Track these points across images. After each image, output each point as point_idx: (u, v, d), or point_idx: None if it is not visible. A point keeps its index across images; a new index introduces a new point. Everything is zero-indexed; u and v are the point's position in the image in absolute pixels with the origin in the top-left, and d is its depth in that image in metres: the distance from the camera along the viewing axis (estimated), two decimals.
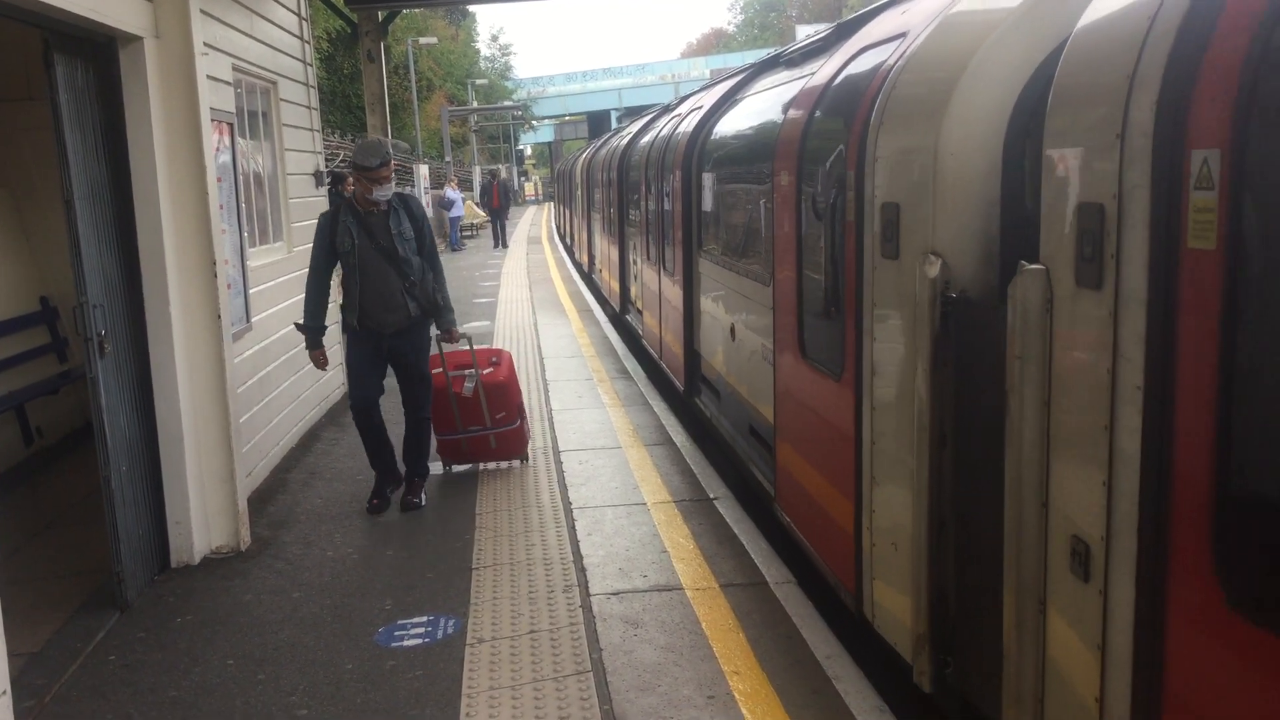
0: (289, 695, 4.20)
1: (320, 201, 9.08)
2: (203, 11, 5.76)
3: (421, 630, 4.69)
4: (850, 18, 5.38)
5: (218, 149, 6.04)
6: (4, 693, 3.47)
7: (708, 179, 7.57)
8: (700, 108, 8.47)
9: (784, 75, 6.22)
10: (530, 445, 7.32)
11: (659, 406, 8.71)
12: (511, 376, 7.01)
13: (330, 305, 6.34)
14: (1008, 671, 2.90)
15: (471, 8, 44.10)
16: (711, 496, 6.30)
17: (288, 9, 8.55)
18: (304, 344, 6.31)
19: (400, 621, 4.79)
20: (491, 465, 7.07)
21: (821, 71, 5.02)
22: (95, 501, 5.28)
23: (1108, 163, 2.32)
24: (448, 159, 39.59)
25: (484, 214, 34.99)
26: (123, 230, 5.29)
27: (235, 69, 6.86)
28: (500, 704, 4.00)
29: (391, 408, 6.69)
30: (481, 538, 5.79)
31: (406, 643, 4.58)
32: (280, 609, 5.01)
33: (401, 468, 6.58)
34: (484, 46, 73.65)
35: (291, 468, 7.41)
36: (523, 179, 74.58)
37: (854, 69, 4.48)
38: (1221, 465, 2.04)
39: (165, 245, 5.39)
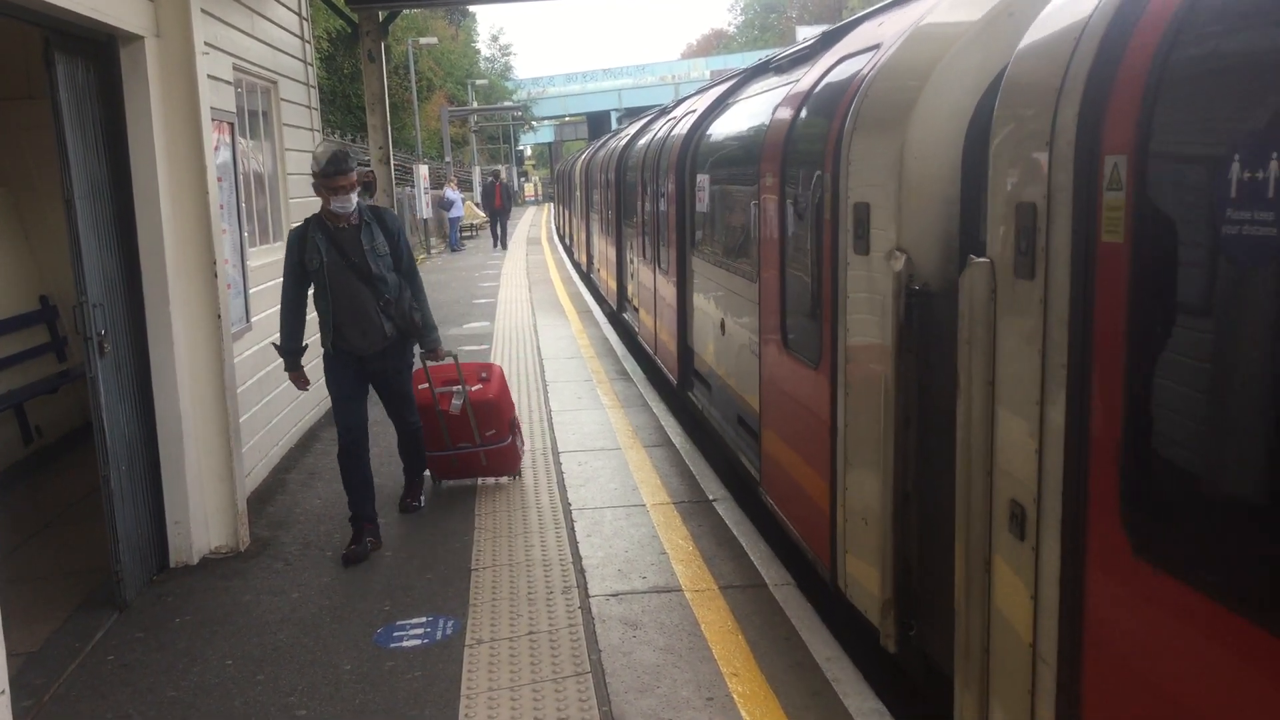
0: (288, 695, 4.19)
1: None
2: (204, 11, 5.76)
3: (420, 631, 4.69)
4: (834, 28, 5.70)
5: (218, 148, 6.04)
6: (2, 692, 3.47)
7: (700, 180, 7.84)
8: (694, 111, 8.74)
9: (773, 81, 6.49)
10: (530, 448, 7.32)
11: (658, 408, 8.71)
12: (503, 393, 6.73)
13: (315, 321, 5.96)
14: (959, 626, 3.14)
15: (472, 8, 44.09)
16: (711, 498, 6.30)
17: (288, 9, 8.55)
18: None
19: (399, 622, 4.79)
20: None
21: (804, 79, 5.31)
22: (94, 501, 5.28)
23: (1039, 167, 2.61)
24: (448, 159, 39.59)
25: (483, 215, 34.97)
26: (123, 229, 5.29)
27: (236, 68, 6.86)
28: (499, 705, 4.00)
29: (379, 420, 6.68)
30: (481, 539, 5.79)
31: (405, 643, 4.58)
32: (279, 609, 5.01)
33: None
34: (484, 47, 73.75)
35: (291, 468, 7.41)
36: (522, 180, 74.59)
37: (833, 77, 4.77)
38: (1128, 433, 2.31)
39: (165, 245, 5.39)
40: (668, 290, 9.14)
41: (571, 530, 5.85)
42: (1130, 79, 2.28)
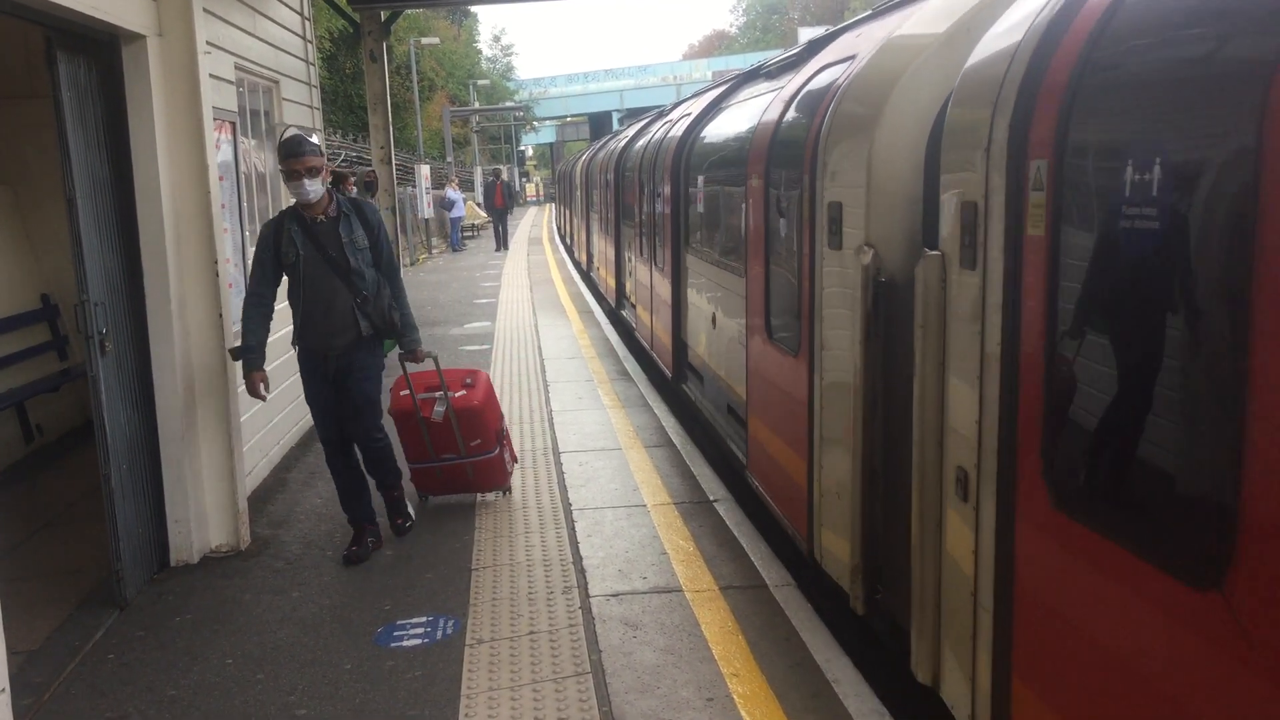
0: (288, 694, 4.19)
1: None
2: (206, 10, 5.76)
3: (421, 631, 4.69)
4: (817, 38, 6.07)
5: (219, 147, 6.04)
6: (3, 690, 3.47)
7: (694, 181, 8.15)
8: (689, 115, 9.07)
9: (762, 86, 6.77)
10: (531, 448, 7.31)
11: (659, 408, 8.72)
12: (488, 400, 6.29)
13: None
14: (914, 582, 3.51)
15: (474, 8, 44.15)
16: (711, 499, 6.30)
17: (290, 8, 8.56)
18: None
19: (399, 622, 4.79)
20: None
21: (789, 86, 5.64)
22: (95, 499, 5.27)
23: (979, 169, 2.96)
24: (449, 159, 39.61)
25: (485, 214, 34.97)
26: (124, 228, 5.29)
27: (238, 68, 6.86)
28: (499, 705, 4.00)
29: None
30: (481, 539, 5.79)
31: (406, 643, 4.57)
32: (279, 608, 5.01)
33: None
34: (486, 47, 73.84)
35: (291, 467, 7.41)
36: (524, 180, 74.57)
37: (813, 86, 5.10)
38: (1048, 403, 2.67)
39: (167, 243, 5.38)
40: (663, 287, 9.45)
41: (572, 530, 5.84)
42: (1050, 95, 2.65)
